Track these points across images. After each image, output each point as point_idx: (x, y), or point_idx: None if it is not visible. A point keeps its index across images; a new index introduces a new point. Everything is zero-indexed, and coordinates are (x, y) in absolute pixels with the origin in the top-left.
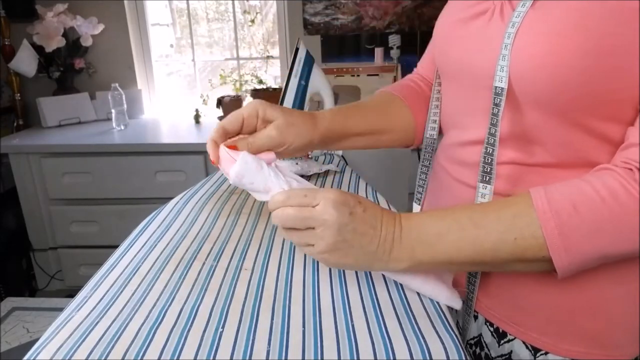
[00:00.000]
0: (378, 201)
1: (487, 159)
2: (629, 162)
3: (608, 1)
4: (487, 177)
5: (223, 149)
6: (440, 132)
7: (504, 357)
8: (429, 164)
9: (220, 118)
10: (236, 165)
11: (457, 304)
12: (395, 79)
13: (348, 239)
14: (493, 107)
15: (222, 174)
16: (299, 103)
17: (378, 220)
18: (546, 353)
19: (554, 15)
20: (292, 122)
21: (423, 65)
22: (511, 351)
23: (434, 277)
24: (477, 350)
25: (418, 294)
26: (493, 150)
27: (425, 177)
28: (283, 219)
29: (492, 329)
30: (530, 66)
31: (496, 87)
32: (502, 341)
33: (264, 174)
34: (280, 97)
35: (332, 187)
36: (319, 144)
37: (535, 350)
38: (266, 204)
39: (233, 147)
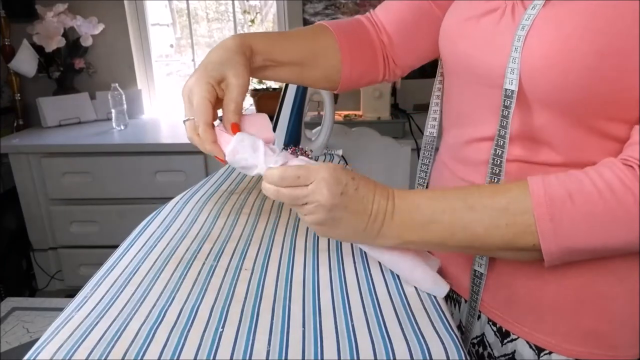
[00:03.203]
0: None
1: (496, 161)
2: (629, 160)
3: (618, 2)
4: (496, 179)
5: (224, 136)
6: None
7: (507, 357)
8: (429, 162)
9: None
10: (231, 143)
11: (442, 291)
12: (394, 82)
13: (337, 217)
14: (503, 109)
15: (222, 174)
16: (299, 103)
17: (370, 198)
18: (550, 353)
19: (565, 16)
20: (236, 62)
21: (383, 9)
22: (514, 351)
23: (421, 264)
24: (480, 349)
25: (418, 293)
26: (502, 152)
27: (425, 175)
28: (277, 197)
29: (495, 328)
30: (539, 66)
31: (506, 89)
32: (505, 340)
33: (259, 153)
34: (280, 97)
35: None
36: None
37: (538, 350)
38: (266, 200)
39: (236, 127)
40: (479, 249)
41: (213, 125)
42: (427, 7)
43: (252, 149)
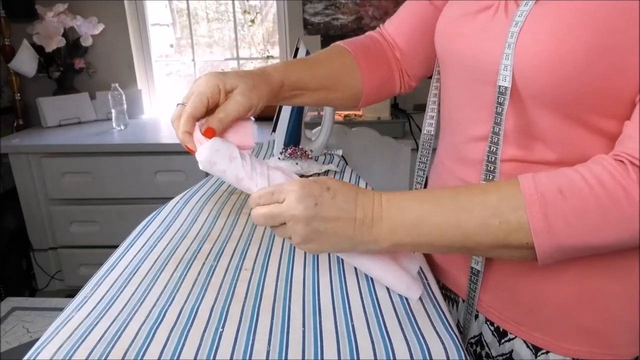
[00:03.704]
0: None
1: (491, 158)
2: (620, 155)
3: (612, 0)
4: (491, 176)
5: (198, 134)
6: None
7: (504, 356)
8: (427, 159)
9: None
10: (205, 151)
11: (415, 295)
12: None
13: (320, 229)
14: (497, 106)
15: None
16: None
17: (351, 204)
18: (547, 352)
19: (558, 13)
20: (253, 84)
21: (392, 24)
22: (512, 350)
23: (395, 266)
24: (478, 349)
25: None
26: (497, 149)
27: (423, 174)
28: (258, 219)
29: (492, 328)
30: (533, 63)
31: (500, 86)
32: (503, 340)
33: (236, 163)
34: None
35: None
36: (272, 100)
37: (536, 349)
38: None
39: (210, 132)
40: (472, 249)
41: (195, 122)
42: (430, 13)
43: (229, 159)
